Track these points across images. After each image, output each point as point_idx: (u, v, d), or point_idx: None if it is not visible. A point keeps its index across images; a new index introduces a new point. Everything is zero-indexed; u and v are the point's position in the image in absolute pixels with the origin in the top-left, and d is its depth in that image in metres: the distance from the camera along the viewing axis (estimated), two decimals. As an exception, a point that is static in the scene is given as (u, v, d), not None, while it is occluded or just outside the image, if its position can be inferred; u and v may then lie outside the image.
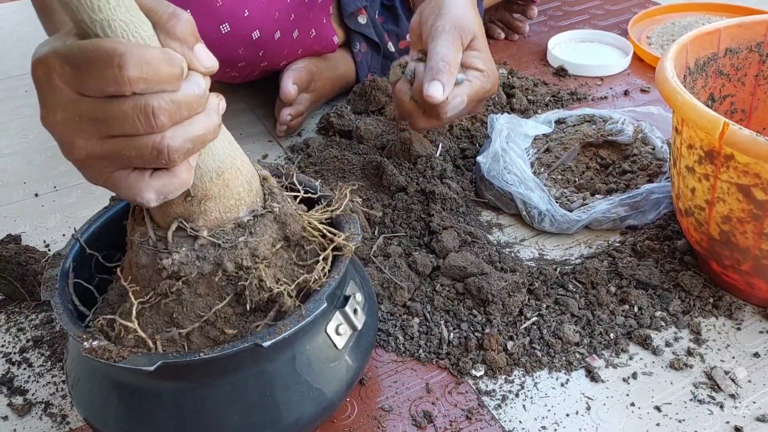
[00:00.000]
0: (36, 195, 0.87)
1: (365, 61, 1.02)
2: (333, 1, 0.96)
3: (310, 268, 0.51)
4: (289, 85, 0.90)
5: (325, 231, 0.52)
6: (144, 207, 0.47)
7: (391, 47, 1.03)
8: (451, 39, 0.70)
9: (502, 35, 1.21)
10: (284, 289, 0.48)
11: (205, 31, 0.78)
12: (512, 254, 0.72)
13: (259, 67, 0.91)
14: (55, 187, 0.89)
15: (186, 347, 0.48)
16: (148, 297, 0.47)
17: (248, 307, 0.48)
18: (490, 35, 1.20)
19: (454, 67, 0.69)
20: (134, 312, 0.46)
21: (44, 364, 0.64)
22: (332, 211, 0.54)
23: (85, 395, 0.51)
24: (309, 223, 0.52)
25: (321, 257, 0.51)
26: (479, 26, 0.74)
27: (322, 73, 0.96)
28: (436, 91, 0.67)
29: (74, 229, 0.76)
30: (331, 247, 0.51)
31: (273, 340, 0.45)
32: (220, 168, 0.46)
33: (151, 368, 0.43)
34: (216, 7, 0.81)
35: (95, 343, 0.44)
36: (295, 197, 0.55)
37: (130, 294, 0.46)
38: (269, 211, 0.49)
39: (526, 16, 1.20)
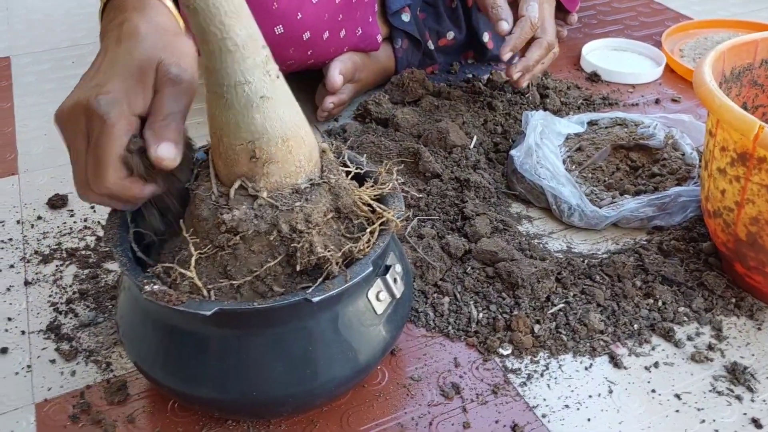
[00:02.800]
0: (82, 160, 0.91)
1: (405, 57, 1.04)
2: (374, 9, 0.99)
3: (356, 241, 0.54)
4: (335, 75, 0.92)
5: (375, 206, 0.55)
6: (211, 164, 0.51)
7: (431, 45, 1.06)
8: None
9: None
10: (331, 256, 0.51)
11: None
12: (541, 245, 0.75)
13: (306, 64, 0.94)
14: (100, 153, 0.92)
15: (236, 299, 0.50)
16: (206, 248, 0.50)
17: (297, 269, 0.51)
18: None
19: None
20: (193, 261, 0.48)
21: (89, 315, 0.67)
22: (381, 188, 0.57)
23: (136, 340, 0.54)
24: (359, 197, 0.55)
25: (369, 230, 0.53)
26: None
27: (366, 66, 0.99)
28: None
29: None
30: (380, 221, 0.54)
31: (321, 297, 0.48)
32: (286, 135, 0.48)
33: (208, 313, 0.46)
34: (272, 10, 0.84)
35: (156, 287, 0.47)
36: (347, 173, 0.57)
37: (190, 245, 0.49)
38: (325, 182, 0.52)
39: (565, 22, 1.22)
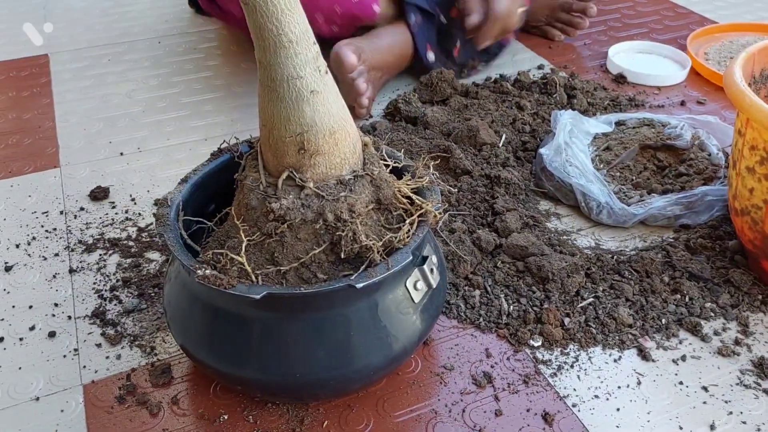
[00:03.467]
0: (121, 154, 0.94)
1: (422, 32, 1.05)
2: None
3: (395, 231, 0.56)
4: (349, 54, 0.94)
5: (414, 198, 0.57)
6: (259, 155, 0.53)
7: (443, 18, 1.07)
8: None
9: (561, 37, 1.25)
10: (373, 245, 0.53)
11: None
12: (570, 241, 0.76)
13: (332, 21, 0.96)
14: (138, 148, 0.95)
15: (281, 284, 0.53)
16: (254, 236, 0.52)
17: (341, 257, 0.53)
18: (549, 38, 1.24)
19: None
20: (243, 248, 0.51)
21: (133, 301, 0.69)
22: (419, 181, 0.59)
23: (183, 323, 0.56)
24: (399, 190, 0.57)
25: (408, 221, 0.55)
26: None
27: (365, 48, 0.99)
28: None
29: (156, 186, 0.82)
30: (419, 213, 0.56)
31: (365, 283, 0.50)
32: (333, 128, 0.51)
33: (258, 297, 0.48)
34: None
35: (207, 271, 0.50)
36: (386, 166, 0.59)
37: (241, 231, 0.51)
38: (368, 174, 0.54)
39: (585, 14, 1.22)
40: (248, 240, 0.51)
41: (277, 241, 0.52)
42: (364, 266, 0.52)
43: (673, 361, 0.63)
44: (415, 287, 0.56)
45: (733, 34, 1.26)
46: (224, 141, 0.64)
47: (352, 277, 0.51)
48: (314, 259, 0.53)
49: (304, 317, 0.52)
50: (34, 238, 0.79)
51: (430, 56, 1.07)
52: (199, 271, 0.50)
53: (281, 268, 0.52)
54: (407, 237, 0.55)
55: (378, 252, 0.53)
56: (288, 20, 0.46)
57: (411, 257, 0.52)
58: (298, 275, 0.53)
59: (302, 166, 0.51)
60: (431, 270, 0.58)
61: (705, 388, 0.60)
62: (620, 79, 1.10)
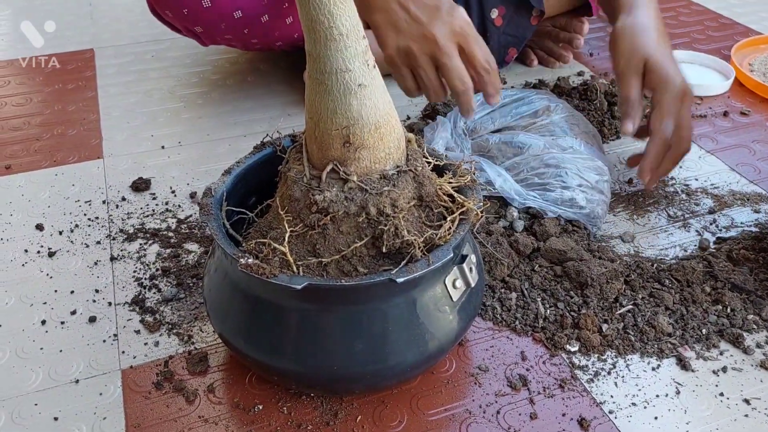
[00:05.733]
0: (162, 147, 0.95)
1: None
2: None
3: (436, 229, 0.56)
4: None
5: (456, 196, 0.57)
6: (304, 148, 0.54)
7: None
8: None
9: (535, 63, 1.17)
10: (415, 240, 0.53)
11: (187, 5, 0.86)
12: (609, 247, 0.75)
13: (251, 43, 0.96)
14: (179, 142, 0.96)
15: (322, 276, 0.53)
16: (297, 227, 0.52)
17: (383, 251, 0.53)
18: (522, 61, 1.18)
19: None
20: (286, 238, 0.51)
21: (171, 290, 0.70)
22: (460, 179, 0.59)
23: (223, 312, 0.57)
24: (441, 187, 0.57)
25: (449, 218, 0.55)
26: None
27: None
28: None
29: (196, 180, 0.83)
30: (460, 211, 0.56)
31: (406, 278, 0.50)
32: (379, 122, 0.51)
33: (299, 287, 0.48)
34: None
35: (251, 260, 0.50)
36: (428, 164, 0.59)
37: (284, 222, 0.52)
38: (411, 170, 0.54)
39: (571, 45, 1.15)
40: (291, 231, 0.52)
41: (319, 233, 0.52)
42: (404, 261, 0.52)
43: (714, 372, 0.62)
44: (454, 285, 0.56)
45: (779, 46, 1.24)
46: (267, 134, 0.65)
47: (393, 272, 0.51)
48: (355, 252, 0.53)
49: (343, 310, 0.52)
50: (77, 226, 0.80)
51: None
52: (242, 260, 0.50)
53: (322, 260, 0.52)
54: (448, 234, 0.54)
55: (419, 248, 0.53)
56: (339, 13, 0.47)
57: (452, 254, 0.52)
58: (339, 268, 0.53)
59: (347, 159, 0.52)
60: (470, 269, 0.57)
61: (747, 401, 0.59)
62: (662, 88, 1.09)
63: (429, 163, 0.60)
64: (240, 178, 0.62)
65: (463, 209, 0.56)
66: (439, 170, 0.61)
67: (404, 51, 0.73)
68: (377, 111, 0.51)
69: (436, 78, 0.73)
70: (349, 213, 0.52)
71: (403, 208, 0.53)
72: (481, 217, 0.57)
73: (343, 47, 0.48)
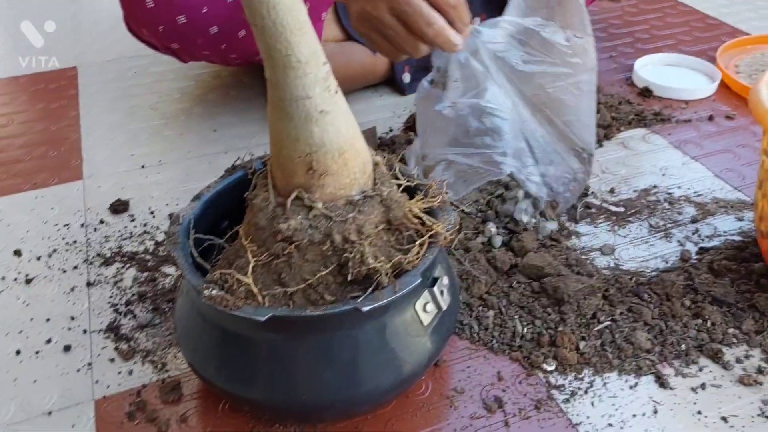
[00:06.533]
0: (143, 167, 0.95)
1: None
2: (327, 8, 0.96)
3: (405, 252, 0.55)
4: None
5: (424, 219, 0.56)
6: (269, 174, 0.53)
7: None
8: None
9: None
10: (381, 266, 0.53)
11: (162, 22, 0.86)
12: (588, 261, 0.75)
13: (230, 58, 0.95)
14: (160, 161, 0.96)
15: (288, 306, 0.52)
16: (262, 256, 0.52)
17: (348, 278, 0.52)
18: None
19: None
20: (250, 269, 0.51)
21: (147, 316, 0.69)
22: (431, 201, 0.58)
23: (192, 342, 0.56)
24: (410, 210, 0.56)
25: (418, 242, 0.55)
26: None
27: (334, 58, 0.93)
28: None
29: (175, 199, 0.83)
30: (429, 234, 0.55)
31: (371, 306, 0.49)
32: (342, 148, 0.50)
33: (262, 319, 0.48)
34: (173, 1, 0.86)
35: (214, 292, 0.49)
36: (399, 185, 0.59)
37: (248, 252, 0.51)
38: (377, 194, 0.54)
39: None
40: (255, 260, 0.51)
41: (284, 262, 0.52)
42: (371, 289, 0.51)
43: (692, 389, 0.61)
44: (424, 309, 0.55)
45: (765, 47, 1.23)
46: (238, 158, 0.64)
47: (359, 300, 0.50)
48: (322, 280, 0.52)
49: (311, 339, 0.52)
50: (55, 251, 0.80)
51: (406, 78, 1.07)
52: (205, 291, 0.50)
53: (288, 289, 0.52)
54: (417, 258, 0.54)
55: (386, 274, 0.52)
56: (297, 41, 0.46)
57: (419, 280, 0.52)
58: (306, 296, 0.53)
59: (311, 186, 0.51)
60: (441, 292, 0.57)
61: (725, 419, 0.58)
62: (646, 92, 1.08)
63: (400, 185, 0.59)
64: (210, 203, 0.61)
65: (432, 232, 0.55)
66: (411, 191, 0.61)
67: (363, 16, 0.69)
68: (340, 136, 0.50)
69: (405, 32, 0.68)
70: (313, 241, 0.51)
71: (370, 233, 0.53)
72: (453, 240, 0.56)
73: (302, 74, 0.48)
